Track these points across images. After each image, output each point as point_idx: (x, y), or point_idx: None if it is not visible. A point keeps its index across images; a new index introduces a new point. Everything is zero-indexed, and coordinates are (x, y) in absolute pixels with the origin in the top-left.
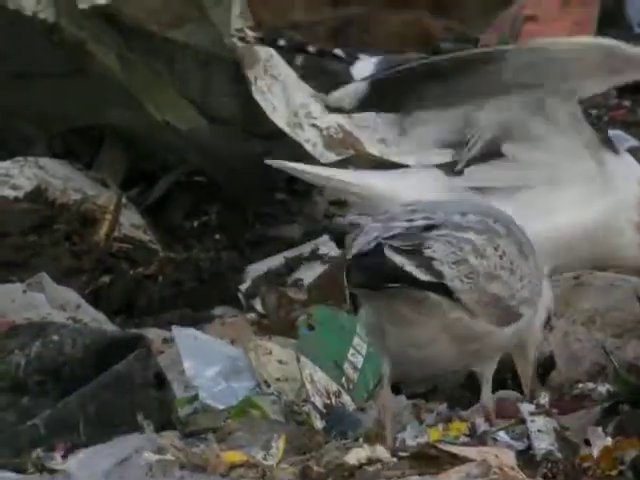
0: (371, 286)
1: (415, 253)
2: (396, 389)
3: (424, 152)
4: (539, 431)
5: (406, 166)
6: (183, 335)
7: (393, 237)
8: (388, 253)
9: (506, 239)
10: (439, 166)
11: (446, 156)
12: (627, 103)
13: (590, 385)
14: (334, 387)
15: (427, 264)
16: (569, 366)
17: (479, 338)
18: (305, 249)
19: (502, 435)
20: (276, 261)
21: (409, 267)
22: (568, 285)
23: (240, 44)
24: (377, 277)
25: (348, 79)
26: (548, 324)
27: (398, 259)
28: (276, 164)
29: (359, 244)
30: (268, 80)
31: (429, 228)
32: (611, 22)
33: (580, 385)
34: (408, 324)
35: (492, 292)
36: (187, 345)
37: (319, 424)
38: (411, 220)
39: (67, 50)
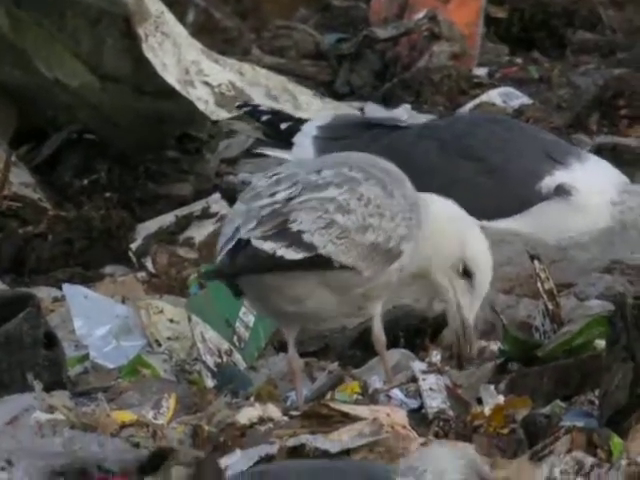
0: (250, 272)
1: (280, 234)
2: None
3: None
4: (431, 389)
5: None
6: (74, 293)
7: (253, 228)
8: (255, 243)
9: (366, 184)
10: None
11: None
12: (519, 60)
13: (482, 343)
14: (225, 346)
15: (296, 240)
16: None
17: (362, 284)
18: (196, 207)
19: (396, 393)
20: (167, 219)
21: (281, 251)
22: None
23: (131, 0)
24: (253, 267)
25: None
26: None
27: (267, 246)
28: None
29: (225, 235)
30: (159, 37)
31: (291, 199)
32: None
33: None
34: (284, 282)
35: (369, 242)
36: (78, 303)
37: (210, 383)
38: (274, 194)
39: None
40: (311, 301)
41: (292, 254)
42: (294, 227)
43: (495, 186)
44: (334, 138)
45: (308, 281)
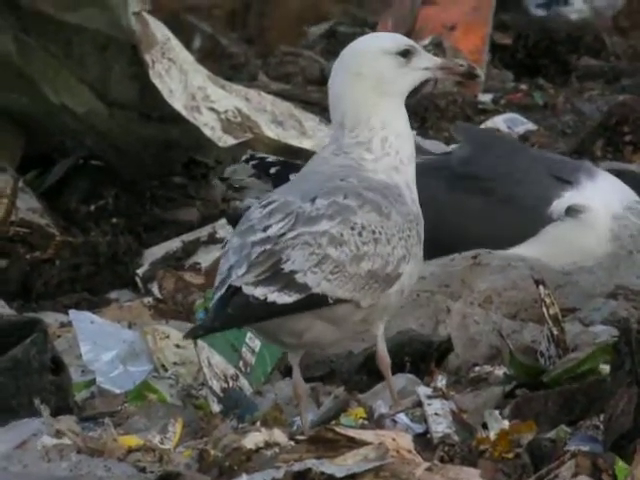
0: (242, 324)
1: (273, 276)
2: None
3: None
4: (436, 414)
5: (302, 149)
6: (80, 319)
7: (244, 273)
8: (246, 290)
9: (361, 210)
10: None
11: None
12: (524, 86)
13: (487, 368)
14: (231, 371)
15: (289, 281)
16: (466, 349)
17: (360, 313)
18: (203, 233)
19: (401, 418)
20: (173, 245)
21: (272, 295)
22: (465, 264)
23: (137, 27)
24: (244, 317)
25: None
26: None
27: (258, 292)
28: None
29: (220, 274)
30: (165, 63)
31: (283, 234)
32: (509, 5)
33: (477, 368)
34: (280, 322)
35: (365, 271)
36: (84, 329)
37: (216, 408)
38: (266, 227)
39: None
40: (310, 334)
41: (284, 298)
42: (286, 267)
43: (507, 216)
44: None
45: (304, 318)
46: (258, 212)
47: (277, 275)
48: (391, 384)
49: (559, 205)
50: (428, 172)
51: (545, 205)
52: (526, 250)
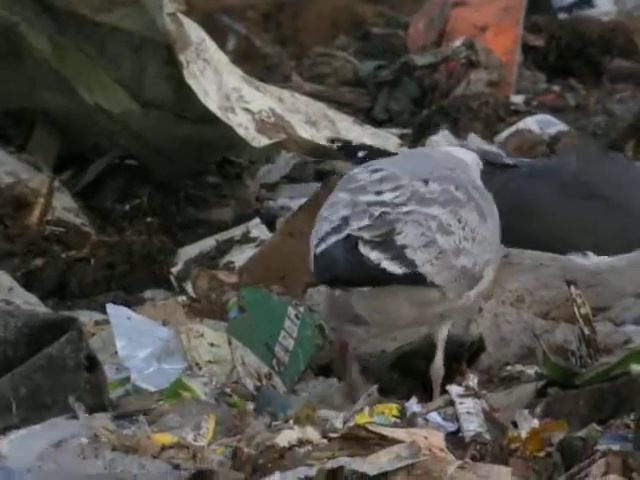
0: (346, 284)
1: (387, 243)
2: (327, 371)
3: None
4: (468, 413)
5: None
6: (117, 314)
7: (364, 227)
8: (363, 250)
9: (467, 206)
10: None
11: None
12: (556, 88)
13: (518, 367)
14: (265, 369)
15: (400, 254)
16: (498, 348)
17: (442, 304)
18: (236, 232)
19: (433, 416)
20: (207, 244)
21: (385, 263)
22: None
23: (172, 27)
24: (354, 276)
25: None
26: None
27: (374, 255)
28: None
29: (329, 221)
30: (200, 64)
31: (397, 205)
32: (537, 8)
33: (509, 367)
34: (377, 295)
35: (460, 266)
36: (121, 325)
37: (250, 406)
38: (380, 192)
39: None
40: (394, 314)
41: (394, 268)
42: (399, 240)
43: (617, 223)
44: None
45: (397, 300)
46: (367, 175)
47: (390, 244)
48: (437, 394)
49: None
50: (538, 175)
51: None
52: (635, 258)
